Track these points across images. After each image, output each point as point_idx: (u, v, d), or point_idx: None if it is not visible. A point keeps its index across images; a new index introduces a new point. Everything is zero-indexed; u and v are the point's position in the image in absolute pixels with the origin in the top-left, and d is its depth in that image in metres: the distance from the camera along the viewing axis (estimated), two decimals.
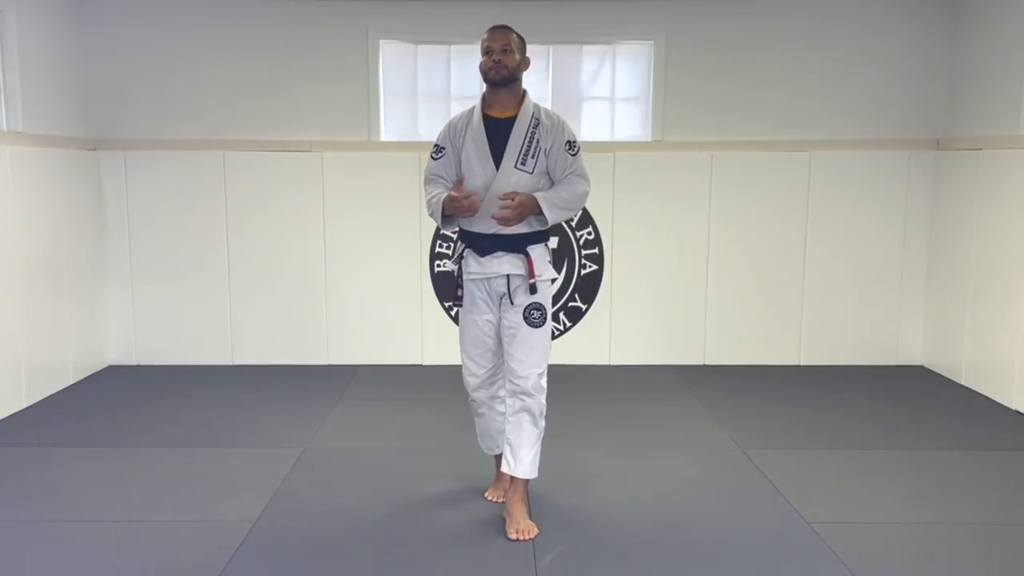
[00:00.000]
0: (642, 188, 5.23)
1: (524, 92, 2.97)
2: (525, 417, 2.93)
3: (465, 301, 2.99)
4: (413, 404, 4.49)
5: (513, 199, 2.81)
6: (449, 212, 2.89)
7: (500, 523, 3.01)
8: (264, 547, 2.82)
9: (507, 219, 2.82)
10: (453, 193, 2.86)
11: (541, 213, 2.86)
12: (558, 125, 2.93)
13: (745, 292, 5.31)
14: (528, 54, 2.99)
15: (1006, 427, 4.17)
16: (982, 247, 4.72)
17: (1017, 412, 4.39)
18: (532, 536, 2.89)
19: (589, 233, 5.27)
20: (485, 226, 2.91)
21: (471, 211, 2.84)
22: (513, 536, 2.88)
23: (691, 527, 2.99)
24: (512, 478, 2.98)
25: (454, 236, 4.85)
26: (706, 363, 5.37)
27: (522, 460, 2.93)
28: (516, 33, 2.94)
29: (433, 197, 2.94)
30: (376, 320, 5.31)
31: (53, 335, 4.66)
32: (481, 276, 2.94)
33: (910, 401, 4.61)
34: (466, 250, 2.96)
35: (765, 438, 3.96)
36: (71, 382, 4.86)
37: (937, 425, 4.19)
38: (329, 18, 5.10)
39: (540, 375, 2.93)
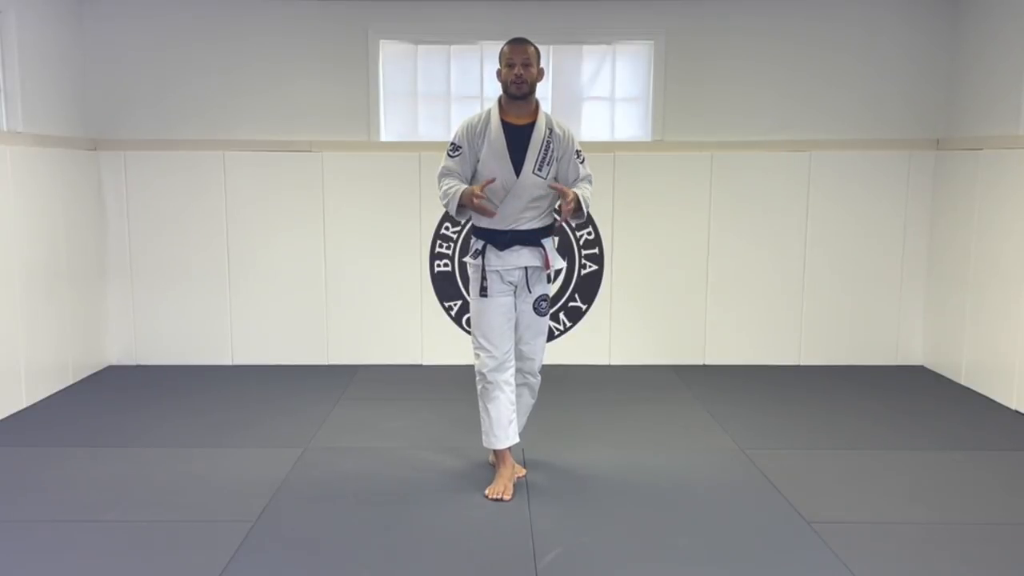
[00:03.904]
0: (642, 188, 5.23)
1: (537, 101, 3.22)
2: (525, 391, 3.45)
3: (488, 289, 3.24)
4: (413, 404, 4.49)
5: (570, 193, 3.10)
6: (464, 203, 3.13)
7: (500, 523, 3.01)
8: (264, 547, 2.82)
9: (569, 213, 3.11)
10: (476, 191, 3.07)
11: (580, 208, 3.17)
12: (568, 135, 3.23)
13: (745, 292, 5.31)
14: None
15: (1006, 427, 4.17)
16: (982, 247, 4.72)
17: (1017, 412, 4.39)
18: (506, 497, 3.19)
19: (589, 233, 5.27)
20: (504, 223, 3.20)
21: (487, 214, 3.12)
22: (486, 494, 3.22)
23: (691, 527, 2.99)
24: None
25: (456, 235, 4.91)
26: (706, 363, 5.37)
27: (516, 427, 3.33)
28: (533, 46, 3.16)
29: (451, 187, 3.18)
30: (376, 320, 5.31)
31: (53, 335, 4.66)
32: (501, 268, 3.22)
33: (910, 401, 4.61)
34: (486, 246, 3.21)
35: (765, 438, 3.96)
36: (71, 382, 4.86)
37: (937, 425, 4.19)
38: (329, 18, 5.10)
39: (543, 358, 3.41)
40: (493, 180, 3.11)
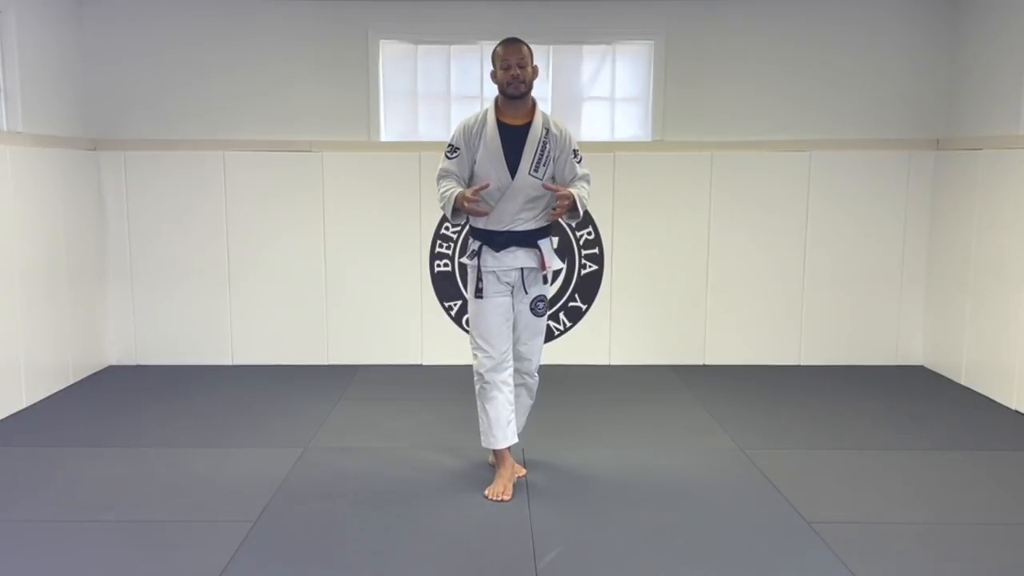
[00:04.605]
0: (642, 188, 5.23)
1: (534, 101, 3.21)
2: (523, 391, 3.44)
3: (484, 290, 3.24)
4: (413, 404, 4.50)
5: (566, 195, 3.08)
6: (458, 207, 3.13)
7: (500, 523, 3.02)
8: (264, 547, 2.82)
9: (560, 214, 3.14)
10: (468, 194, 3.08)
11: (575, 208, 3.16)
12: (565, 134, 3.21)
13: (745, 292, 5.31)
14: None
15: (1006, 427, 4.17)
16: (982, 247, 4.72)
17: (1017, 412, 4.39)
18: (506, 498, 3.19)
19: (589, 233, 5.27)
20: (500, 224, 3.20)
21: (479, 216, 3.15)
22: (486, 495, 3.22)
23: (691, 527, 2.99)
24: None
25: (456, 235, 4.92)
26: (706, 363, 5.37)
27: (514, 428, 3.34)
28: (526, 45, 3.16)
29: (447, 191, 3.18)
30: (376, 320, 5.31)
31: (53, 335, 4.66)
32: (497, 269, 3.22)
33: (910, 401, 4.61)
34: (482, 247, 3.21)
35: (765, 438, 3.96)
36: (71, 382, 4.86)
37: (937, 425, 4.19)
38: (329, 18, 5.10)
39: (540, 358, 3.41)
40: (487, 185, 3.11)
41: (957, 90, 5.09)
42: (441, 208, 3.22)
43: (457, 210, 3.15)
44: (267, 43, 5.12)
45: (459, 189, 3.15)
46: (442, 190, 3.20)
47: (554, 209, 3.15)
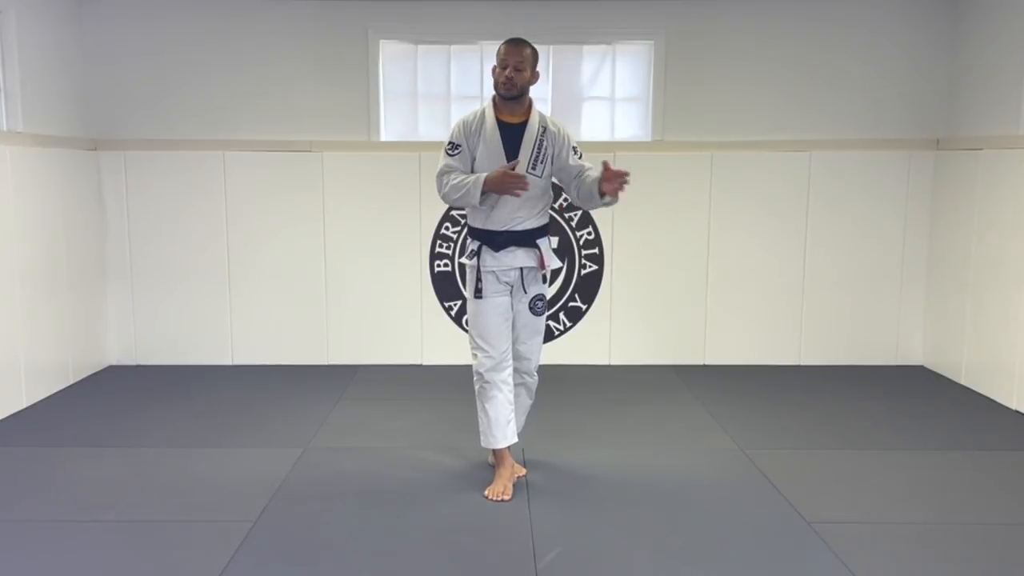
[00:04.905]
0: (642, 188, 5.20)
1: (530, 101, 3.22)
2: (523, 391, 3.44)
3: (483, 290, 3.24)
4: (413, 404, 4.50)
5: (625, 171, 3.02)
6: (490, 189, 3.07)
7: (500, 523, 3.02)
8: (264, 547, 2.82)
9: (617, 188, 3.04)
10: (507, 168, 3.06)
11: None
12: (562, 132, 3.24)
13: (745, 292, 5.31)
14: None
15: (1006, 427, 4.17)
16: (982, 247, 4.72)
17: (1017, 412, 4.39)
18: (506, 498, 3.19)
19: (589, 233, 5.27)
20: (499, 224, 3.20)
21: (524, 188, 3.04)
22: (486, 495, 3.22)
23: (691, 527, 2.99)
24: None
25: (456, 235, 4.91)
26: (706, 363, 5.37)
27: (514, 427, 3.34)
28: (531, 47, 3.14)
29: (465, 179, 3.13)
30: (376, 320, 5.31)
31: (53, 335, 4.66)
32: (496, 268, 3.22)
33: (910, 401, 4.61)
34: (481, 247, 3.22)
35: (765, 438, 3.96)
36: (71, 382, 4.86)
37: (937, 425, 4.19)
38: (329, 18, 5.10)
39: (539, 358, 3.42)
40: (517, 162, 3.11)
41: (957, 90, 5.09)
42: (455, 200, 3.17)
43: (484, 193, 3.09)
44: (267, 43, 5.12)
45: (482, 173, 3.11)
46: (454, 181, 3.14)
47: (605, 183, 3.02)
